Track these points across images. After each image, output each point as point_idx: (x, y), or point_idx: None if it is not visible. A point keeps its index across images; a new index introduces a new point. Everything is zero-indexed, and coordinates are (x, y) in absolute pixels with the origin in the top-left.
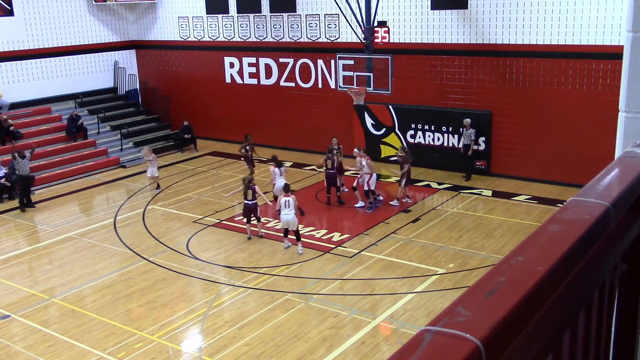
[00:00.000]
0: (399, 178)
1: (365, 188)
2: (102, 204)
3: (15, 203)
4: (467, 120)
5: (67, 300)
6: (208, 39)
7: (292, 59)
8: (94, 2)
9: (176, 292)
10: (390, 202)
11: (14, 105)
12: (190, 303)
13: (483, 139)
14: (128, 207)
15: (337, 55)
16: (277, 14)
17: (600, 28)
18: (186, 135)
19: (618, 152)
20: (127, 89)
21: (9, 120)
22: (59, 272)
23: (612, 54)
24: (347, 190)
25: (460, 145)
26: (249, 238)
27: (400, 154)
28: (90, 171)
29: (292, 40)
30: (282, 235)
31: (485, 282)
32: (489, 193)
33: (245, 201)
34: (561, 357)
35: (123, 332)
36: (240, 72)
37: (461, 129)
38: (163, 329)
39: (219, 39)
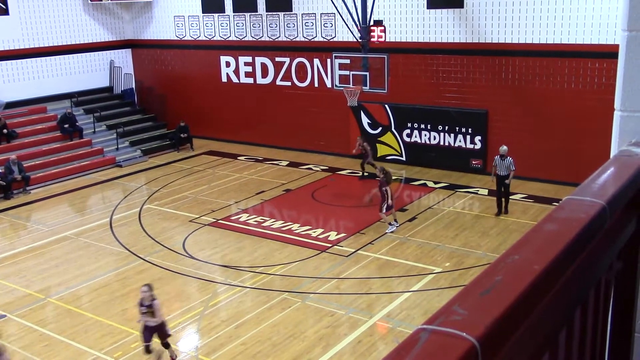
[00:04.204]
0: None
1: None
2: (98, 204)
3: (12, 202)
4: (504, 149)
5: (63, 300)
6: (204, 38)
7: (288, 58)
8: (89, 1)
9: (172, 291)
10: (387, 231)
11: (10, 105)
12: (187, 302)
13: (479, 137)
14: (124, 206)
15: (333, 54)
16: (273, 13)
17: (596, 27)
18: (182, 135)
19: (614, 151)
20: (122, 88)
21: (0, 117)
22: (55, 271)
23: (608, 53)
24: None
25: (491, 178)
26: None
27: (380, 176)
28: (85, 170)
29: (288, 40)
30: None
31: (482, 281)
32: (485, 192)
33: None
34: (557, 356)
35: (119, 331)
36: (237, 71)
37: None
38: None
39: (215, 38)
